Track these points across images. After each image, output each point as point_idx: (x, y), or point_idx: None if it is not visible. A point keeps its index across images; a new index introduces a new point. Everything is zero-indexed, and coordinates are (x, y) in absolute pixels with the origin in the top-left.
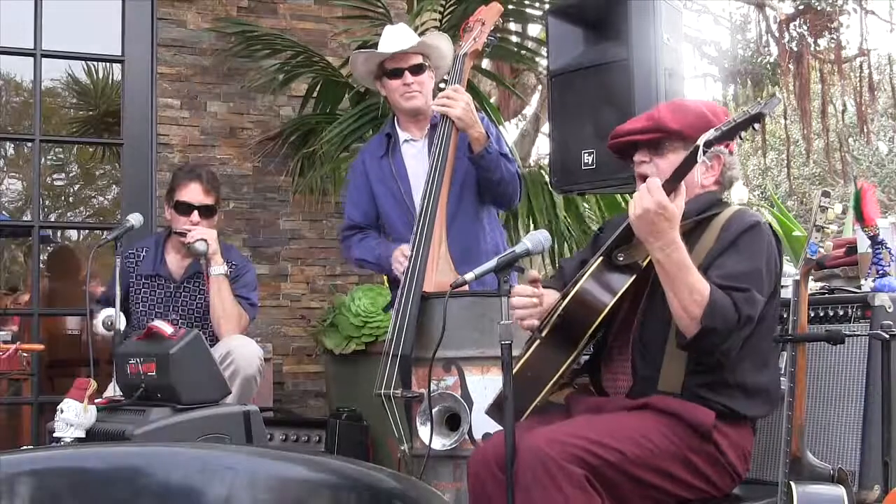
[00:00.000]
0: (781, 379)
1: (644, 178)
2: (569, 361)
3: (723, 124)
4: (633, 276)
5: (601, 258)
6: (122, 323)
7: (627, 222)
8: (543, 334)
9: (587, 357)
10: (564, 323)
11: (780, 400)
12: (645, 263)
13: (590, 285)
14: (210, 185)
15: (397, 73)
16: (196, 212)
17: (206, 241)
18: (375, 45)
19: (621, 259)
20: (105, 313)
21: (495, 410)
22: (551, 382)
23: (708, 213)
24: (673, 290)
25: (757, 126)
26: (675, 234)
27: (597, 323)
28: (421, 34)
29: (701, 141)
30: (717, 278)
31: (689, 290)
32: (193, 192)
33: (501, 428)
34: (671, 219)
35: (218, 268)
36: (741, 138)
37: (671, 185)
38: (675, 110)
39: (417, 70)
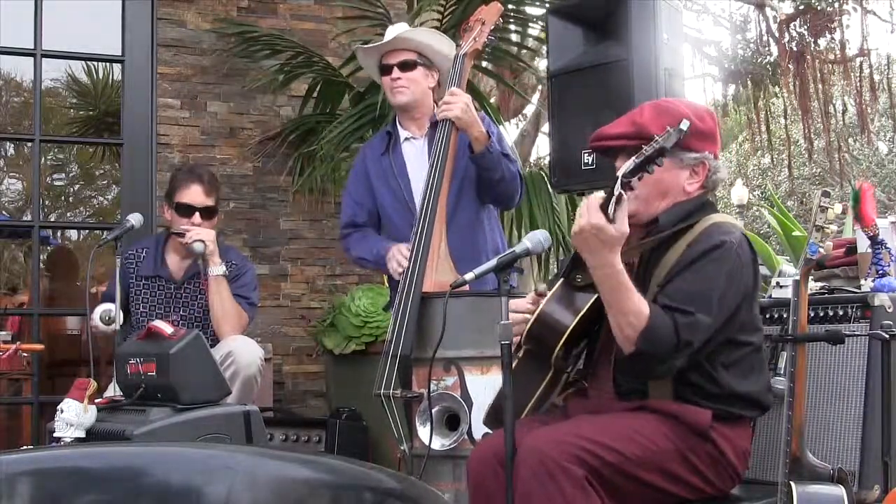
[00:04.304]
0: (780, 379)
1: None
2: (549, 378)
3: (634, 157)
4: (596, 295)
5: (562, 280)
6: (120, 318)
7: None
8: (520, 354)
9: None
10: (533, 344)
11: (779, 400)
12: None
13: (551, 307)
14: (211, 185)
15: (388, 69)
16: (197, 213)
17: (203, 241)
18: None
19: (579, 280)
20: (102, 307)
21: (490, 419)
22: (536, 396)
23: (681, 225)
24: (609, 309)
25: (661, 161)
26: (611, 258)
27: (561, 343)
28: None
29: (620, 173)
30: (664, 298)
31: (625, 313)
32: (195, 194)
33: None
34: (606, 241)
35: (216, 268)
36: (655, 166)
37: (607, 214)
38: (659, 113)
39: (406, 66)
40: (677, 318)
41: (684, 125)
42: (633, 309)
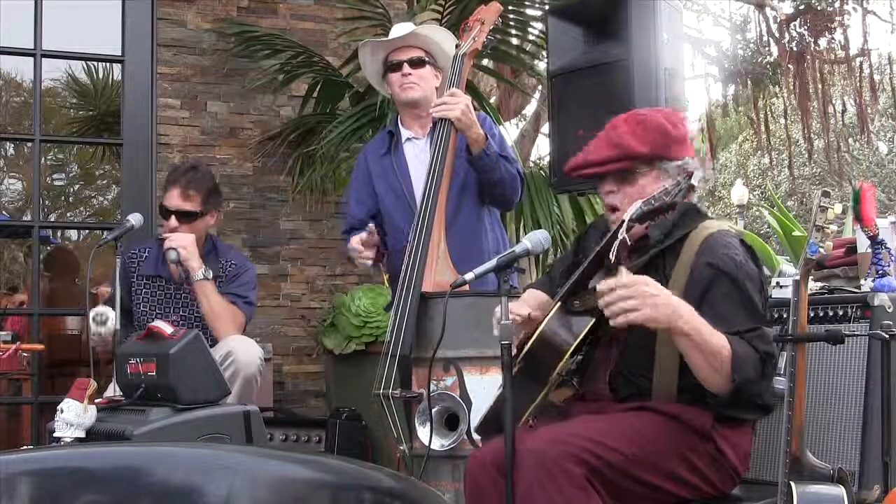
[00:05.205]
0: (780, 379)
1: (613, 208)
2: (543, 394)
3: (642, 203)
4: (595, 318)
5: (559, 304)
6: (115, 321)
7: (580, 271)
8: (515, 370)
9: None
10: (532, 362)
11: (779, 400)
12: None
13: (552, 327)
14: (191, 189)
15: (397, 66)
16: (173, 217)
17: (176, 249)
18: None
19: (577, 305)
20: (97, 308)
21: (482, 428)
22: (529, 410)
23: (668, 241)
24: (703, 356)
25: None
26: (672, 299)
27: (561, 364)
28: None
29: (626, 216)
30: (725, 328)
31: (713, 352)
32: (171, 197)
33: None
34: (655, 287)
35: (196, 274)
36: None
37: (610, 271)
38: (635, 126)
39: (417, 63)
40: (748, 336)
41: (695, 179)
42: (719, 343)
